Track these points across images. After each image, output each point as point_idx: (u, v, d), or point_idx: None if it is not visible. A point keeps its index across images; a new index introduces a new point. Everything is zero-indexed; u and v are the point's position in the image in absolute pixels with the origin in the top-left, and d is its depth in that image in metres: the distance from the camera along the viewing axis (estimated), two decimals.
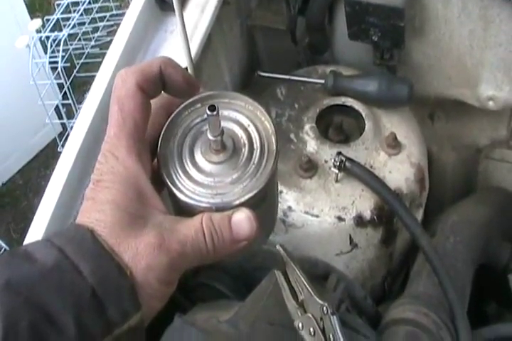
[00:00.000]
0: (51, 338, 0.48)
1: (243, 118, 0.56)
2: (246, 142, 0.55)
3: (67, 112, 2.74)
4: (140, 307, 0.51)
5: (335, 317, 0.79)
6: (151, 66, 0.56)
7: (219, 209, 0.53)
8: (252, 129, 0.56)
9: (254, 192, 0.52)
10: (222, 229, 0.53)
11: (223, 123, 0.55)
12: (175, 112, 0.58)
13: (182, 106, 0.58)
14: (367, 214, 1.08)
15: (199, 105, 0.57)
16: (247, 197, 0.52)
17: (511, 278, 1.18)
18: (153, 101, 0.58)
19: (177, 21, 1.04)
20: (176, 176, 0.55)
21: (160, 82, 0.56)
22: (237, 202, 0.53)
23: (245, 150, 0.55)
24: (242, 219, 0.53)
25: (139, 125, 0.55)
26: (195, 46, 1.09)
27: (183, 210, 0.55)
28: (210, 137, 0.54)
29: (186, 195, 0.54)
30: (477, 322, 1.12)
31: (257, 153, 0.54)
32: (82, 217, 0.54)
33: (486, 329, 1.08)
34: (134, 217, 0.53)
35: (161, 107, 0.59)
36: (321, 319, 0.81)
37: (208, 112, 0.52)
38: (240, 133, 0.56)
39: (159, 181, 0.56)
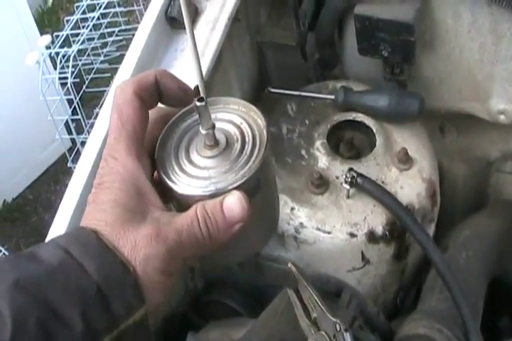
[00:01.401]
0: (58, 334, 0.49)
1: (236, 117, 0.60)
2: (239, 137, 0.58)
3: (76, 127, 2.75)
4: (144, 302, 0.53)
5: (348, 333, 0.79)
6: (147, 76, 0.59)
7: (213, 196, 0.55)
8: (244, 126, 0.59)
9: (246, 178, 0.55)
10: (215, 214, 0.55)
11: (218, 125, 0.58)
12: (172, 119, 0.61)
13: (179, 113, 0.61)
14: (379, 229, 1.08)
15: (195, 113, 0.59)
16: (239, 182, 0.55)
17: None
18: (151, 113, 0.60)
19: (188, 39, 1.04)
20: (172, 173, 0.58)
21: (156, 91, 0.59)
22: (230, 187, 0.55)
23: (238, 145, 0.57)
24: (234, 202, 0.55)
25: (137, 130, 0.58)
26: (205, 64, 1.09)
27: (182, 205, 0.57)
28: (202, 131, 0.57)
29: (182, 188, 0.56)
30: (490, 337, 1.11)
31: (248, 146, 0.57)
32: (85, 219, 0.56)
33: None
34: (133, 213, 0.55)
35: (159, 118, 0.62)
36: (334, 336, 0.81)
37: (197, 103, 0.55)
38: (233, 130, 0.59)
39: (159, 184, 0.58)
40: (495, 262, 1.17)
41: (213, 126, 0.57)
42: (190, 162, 0.58)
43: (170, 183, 0.57)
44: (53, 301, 0.50)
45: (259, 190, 0.57)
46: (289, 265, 0.84)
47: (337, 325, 0.80)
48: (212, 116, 0.58)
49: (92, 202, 0.57)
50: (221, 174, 0.56)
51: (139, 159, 0.58)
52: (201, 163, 0.57)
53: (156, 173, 0.60)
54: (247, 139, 0.58)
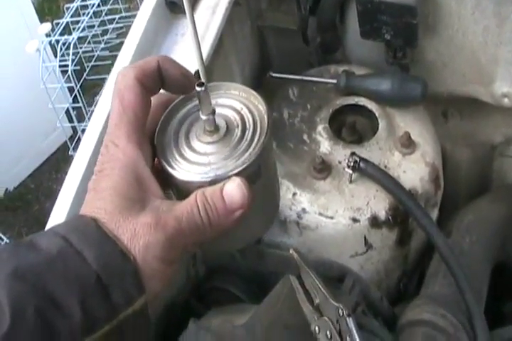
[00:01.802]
0: (57, 323, 0.49)
1: (237, 103, 0.59)
2: (239, 123, 0.57)
3: (77, 115, 2.75)
4: (144, 291, 0.53)
5: (351, 318, 0.78)
6: (149, 62, 0.59)
7: (213, 182, 0.54)
8: (244, 111, 0.58)
9: (246, 164, 0.54)
10: (215, 201, 0.54)
11: (218, 110, 0.57)
12: (172, 105, 0.61)
13: (179, 99, 0.61)
14: (382, 214, 1.07)
15: (195, 99, 0.59)
16: (239, 169, 0.54)
17: None
18: (153, 99, 0.60)
19: (188, 24, 1.03)
20: (172, 159, 0.57)
21: (158, 77, 0.59)
22: (230, 173, 0.54)
23: (238, 130, 0.57)
24: (234, 188, 0.54)
25: (139, 116, 0.58)
26: (206, 48, 1.08)
27: (182, 192, 0.57)
28: (203, 116, 0.56)
29: (181, 174, 0.56)
30: (494, 322, 1.11)
31: (249, 132, 0.57)
32: (85, 207, 0.56)
33: (503, 329, 1.07)
34: (133, 201, 0.54)
35: (160, 104, 0.62)
36: (337, 321, 0.80)
37: (197, 88, 0.54)
38: (234, 115, 0.58)
39: (159, 171, 0.58)
40: (499, 247, 1.16)
41: (213, 112, 0.56)
42: (190, 148, 0.58)
43: (169, 169, 0.57)
44: (52, 290, 0.50)
45: (259, 176, 0.57)
46: (291, 251, 0.84)
47: (340, 310, 0.79)
48: (213, 101, 0.58)
49: (92, 189, 0.56)
50: (221, 160, 0.56)
51: (140, 146, 0.57)
52: (201, 149, 0.57)
53: (156, 160, 0.60)
54: (247, 125, 0.57)
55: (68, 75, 2.60)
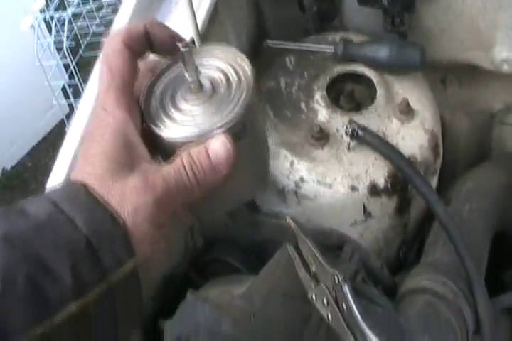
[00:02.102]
0: (48, 288, 0.49)
1: (222, 63, 0.60)
2: (224, 82, 0.58)
3: (74, 92, 2.72)
4: (134, 254, 0.53)
5: (346, 285, 0.78)
6: (136, 26, 0.59)
7: (199, 138, 0.55)
8: (230, 71, 0.59)
9: (230, 119, 0.55)
10: (200, 159, 0.55)
11: (203, 71, 0.58)
12: (159, 69, 0.62)
13: (165, 64, 0.62)
14: (380, 182, 1.06)
15: (181, 62, 0.59)
16: (223, 123, 0.55)
17: None
18: (140, 64, 0.60)
19: None
20: (158, 120, 0.58)
21: (146, 41, 0.59)
22: (214, 127, 0.55)
23: (223, 89, 0.57)
24: (218, 145, 0.55)
25: (127, 80, 0.58)
26: (201, 17, 1.07)
27: (168, 153, 0.57)
28: (187, 77, 0.57)
29: (167, 132, 0.57)
30: (494, 290, 1.10)
31: (234, 90, 0.57)
32: (75, 173, 0.56)
33: (503, 296, 1.07)
34: (122, 165, 0.55)
35: (148, 69, 0.62)
36: (333, 288, 0.80)
37: (182, 49, 0.56)
38: (219, 75, 0.59)
39: (147, 135, 0.58)
40: (498, 215, 1.16)
41: (198, 72, 0.57)
42: (176, 108, 0.58)
43: (155, 129, 0.57)
44: (42, 255, 0.50)
45: (245, 133, 0.57)
46: (288, 220, 0.83)
47: (335, 277, 0.79)
48: (198, 62, 0.58)
49: (82, 156, 0.57)
50: (206, 117, 0.56)
51: (129, 111, 0.57)
52: (186, 108, 0.58)
53: (144, 124, 0.60)
54: (232, 83, 0.58)
55: (63, 52, 2.58)
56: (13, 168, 2.98)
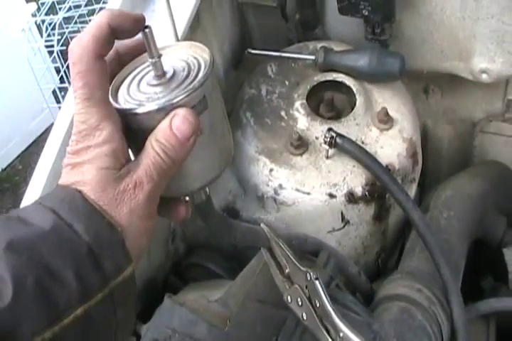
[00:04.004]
0: (56, 292, 0.51)
1: (183, 54, 0.63)
2: (185, 68, 0.61)
3: (64, 96, 2.72)
4: (131, 260, 0.56)
5: (317, 281, 0.80)
6: (100, 27, 0.58)
7: (161, 110, 0.57)
8: (190, 59, 0.62)
9: (190, 91, 0.57)
10: (168, 139, 0.57)
11: (165, 61, 0.61)
12: (127, 65, 0.64)
13: (134, 61, 0.64)
14: (358, 190, 1.07)
15: (146, 62, 0.63)
16: (183, 95, 0.57)
17: (506, 252, 1.17)
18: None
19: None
20: (125, 102, 0.60)
21: (112, 37, 0.59)
22: (175, 100, 0.57)
23: (184, 72, 0.60)
24: (180, 119, 0.57)
25: (105, 89, 0.59)
26: (183, 24, 1.08)
27: (139, 139, 0.59)
28: (150, 60, 0.59)
29: (132, 109, 0.59)
30: (473, 297, 1.12)
31: (194, 72, 0.60)
32: (63, 182, 0.57)
33: (480, 303, 1.08)
34: (108, 172, 0.57)
35: (114, 60, 0.63)
36: (307, 287, 0.81)
37: (145, 30, 0.58)
38: (180, 63, 0.62)
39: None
40: (477, 222, 1.17)
41: (160, 56, 0.59)
42: (140, 91, 0.61)
43: (116, 105, 0.60)
44: (48, 261, 0.52)
45: (206, 107, 0.60)
46: (262, 225, 0.85)
47: (307, 275, 0.80)
48: (162, 55, 0.60)
49: (68, 165, 0.58)
50: (168, 92, 0.59)
51: (111, 119, 0.58)
52: (150, 90, 0.60)
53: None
54: (192, 67, 0.61)
55: (54, 56, 2.58)
56: (3, 170, 2.98)
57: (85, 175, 0.56)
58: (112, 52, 0.61)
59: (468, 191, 1.20)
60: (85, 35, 0.57)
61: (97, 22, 0.58)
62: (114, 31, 0.58)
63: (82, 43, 0.57)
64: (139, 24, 0.59)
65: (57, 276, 0.51)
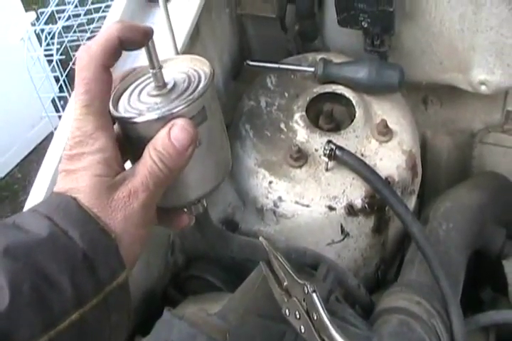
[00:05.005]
0: (52, 298, 0.52)
1: (184, 67, 0.64)
2: (186, 79, 0.62)
3: (64, 105, 2.73)
4: (125, 266, 0.56)
5: (314, 294, 0.80)
6: (110, 40, 0.58)
7: (160, 119, 0.58)
8: (191, 72, 0.63)
9: (189, 102, 0.58)
10: (165, 148, 0.58)
11: (166, 73, 0.61)
12: (129, 76, 0.64)
13: (135, 72, 0.65)
14: (358, 202, 1.07)
15: (146, 73, 0.64)
16: (182, 106, 0.58)
17: (506, 264, 1.17)
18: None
19: (161, 11, 1.03)
20: (125, 111, 0.61)
21: (121, 49, 0.59)
22: (174, 110, 0.58)
23: (184, 84, 0.61)
24: (178, 130, 0.58)
25: (105, 100, 0.59)
26: (182, 37, 1.08)
27: (135, 148, 0.60)
28: (151, 70, 0.60)
29: (132, 118, 0.59)
30: (472, 308, 1.11)
31: (194, 84, 0.61)
32: (58, 189, 0.58)
33: (480, 315, 1.07)
34: (103, 179, 0.57)
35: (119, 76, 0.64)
36: (304, 300, 0.81)
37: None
38: (181, 75, 0.62)
39: (119, 140, 0.61)
40: (476, 234, 1.17)
41: (161, 67, 0.60)
42: (141, 101, 0.61)
43: (122, 114, 0.60)
44: (44, 267, 0.52)
45: (205, 118, 0.60)
46: (260, 238, 0.84)
47: (305, 288, 0.80)
48: (163, 68, 0.61)
49: (63, 171, 0.58)
50: (166, 104, 0.59)
51: (106, 129, 0.59)
52: (151, 101, 0.61)
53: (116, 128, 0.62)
54: (193, 79, 0.62)
55: (53, 65, 2.58)
56: (2, 179, 2.98)
57: (79, 182, 0.57)
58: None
59: (468, 202, 1.20)
60: (95, 45, 0.58)
61: (108, 33, 0.58)
62: (123, 43, 0.59)
63: (90, 52, 0.58)
64: (147, 36, 0.60)
65: (53, 282, 0.52)
